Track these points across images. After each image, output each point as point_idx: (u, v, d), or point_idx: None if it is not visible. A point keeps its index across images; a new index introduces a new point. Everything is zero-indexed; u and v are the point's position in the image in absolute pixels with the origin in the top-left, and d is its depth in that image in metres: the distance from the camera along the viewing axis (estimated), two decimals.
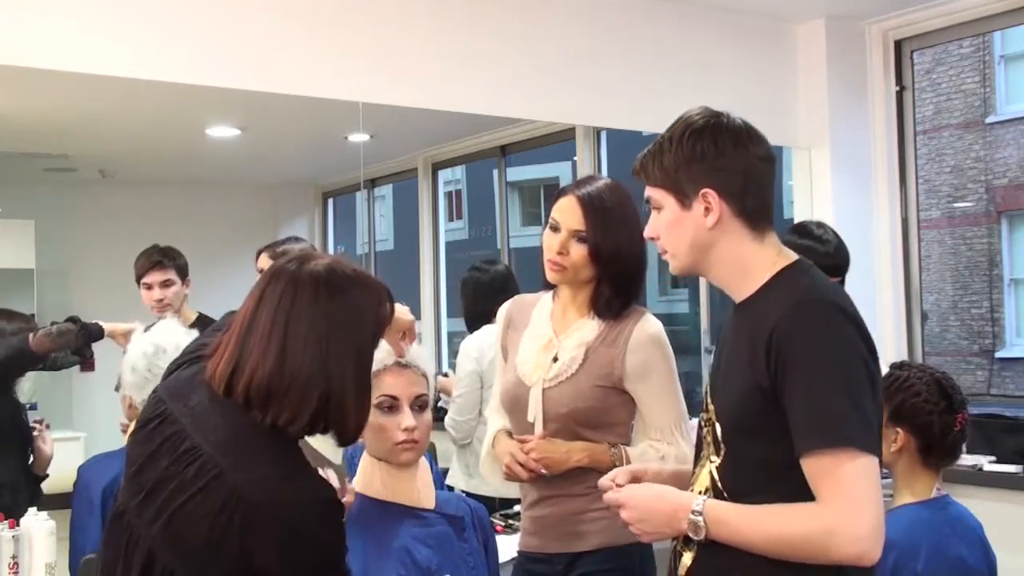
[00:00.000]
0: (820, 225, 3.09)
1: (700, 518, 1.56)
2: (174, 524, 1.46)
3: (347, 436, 1.60)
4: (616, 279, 2.29)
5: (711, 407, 1.69)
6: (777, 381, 1.52)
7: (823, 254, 2.83)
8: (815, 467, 1.49)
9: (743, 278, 1.66)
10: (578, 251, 2.27)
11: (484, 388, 3.69)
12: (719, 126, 1.65)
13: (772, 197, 1.69)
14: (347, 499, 1.84)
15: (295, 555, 1.44)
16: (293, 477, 1.49)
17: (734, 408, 1.61)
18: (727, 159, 1.63)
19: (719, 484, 1.62)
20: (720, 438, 1.63)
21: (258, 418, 1.49)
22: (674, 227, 1.67)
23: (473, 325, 3.86)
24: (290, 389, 1.49)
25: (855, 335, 1.55)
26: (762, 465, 1.57)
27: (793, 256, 1.67)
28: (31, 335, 3.25)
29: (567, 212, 2.28)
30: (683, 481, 1.75)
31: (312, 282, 1.53)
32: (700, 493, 1.65)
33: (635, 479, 1.74)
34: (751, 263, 1.65)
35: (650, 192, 1.70)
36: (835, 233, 3.00)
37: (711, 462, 1.64)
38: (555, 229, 2.29)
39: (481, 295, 3.84)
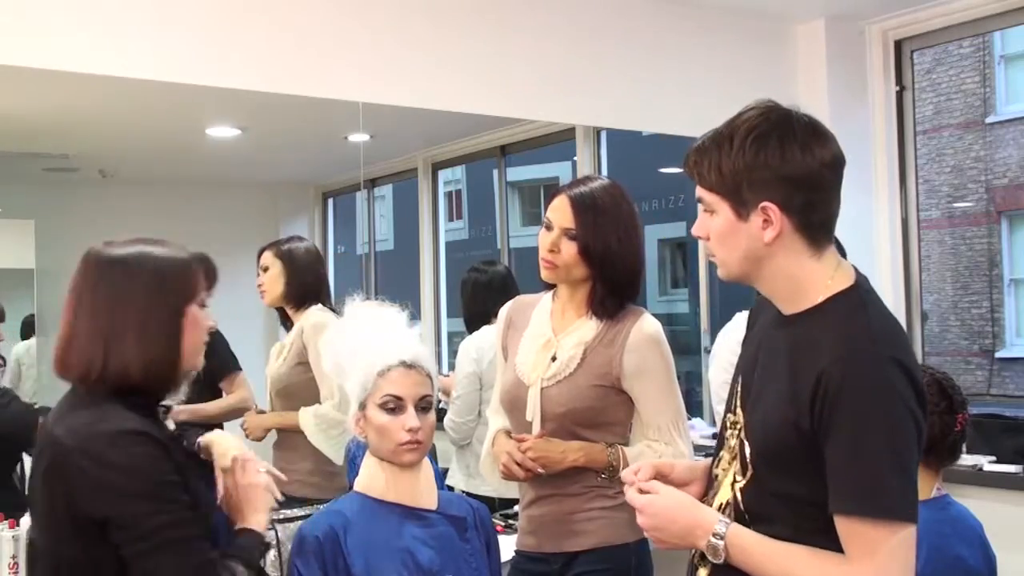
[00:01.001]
0: None
1: (721, 542, 1.51)
2: (31, 500, 1.64)
3: (139, 390, 1.69)
4: (610, 279, 2.30)
5: (740, 412, 1.61)
6: (820, 428, 1.44)
7: None
8: (851, 529, 1.43)
9: (795, 294, 1.55)
10: (569, 249, 2.29)
11: (483, 389, 3.69)
12: (786, 129, 1.50)
13: (838, 206, 1.57)
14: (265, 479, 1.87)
15: (108, 488, 1.57)
16: (100, 419, 1.61)
17: (767, 438, 1.53)
18: (793, 168, 1.49)
19: (741, 505, 1.56)
20: (749, 459, 1.56)
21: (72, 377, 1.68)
22: (727, 236, 1.54)
23: (472, 326, 3.86)
24: (79, 362, 1.67)
25: (908, 391, 1.45)
26: (787, 498, 1.51)
27: (850, 277, 1.56)
28: None
29: (559, 211, 2.31)
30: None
31: (97, 261, 1.72)
32: (720, 507, 1.59)
33: (660, 474, 1.66)
34: (806, 280, 1.54)
35: (702, 194, 1.56)
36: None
37: (736, 481, 1.58)
38: (548, 228, 2.32)
39: (480, 296, 3.85)
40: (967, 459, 3.60)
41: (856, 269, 1.59)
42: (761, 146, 1.49)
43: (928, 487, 2.18)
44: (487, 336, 3.70)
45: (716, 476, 1.66)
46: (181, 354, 1.72)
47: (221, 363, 3.91)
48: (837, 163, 1.54)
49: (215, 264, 1.89)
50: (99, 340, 1.66)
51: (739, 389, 1.63)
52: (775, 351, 1.57)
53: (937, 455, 2.18)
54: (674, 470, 1.68)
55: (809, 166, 1.50)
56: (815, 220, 1.53)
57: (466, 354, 3.71)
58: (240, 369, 3.88)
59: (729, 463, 1.62)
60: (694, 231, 1.60)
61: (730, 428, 1.63)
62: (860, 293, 1.54)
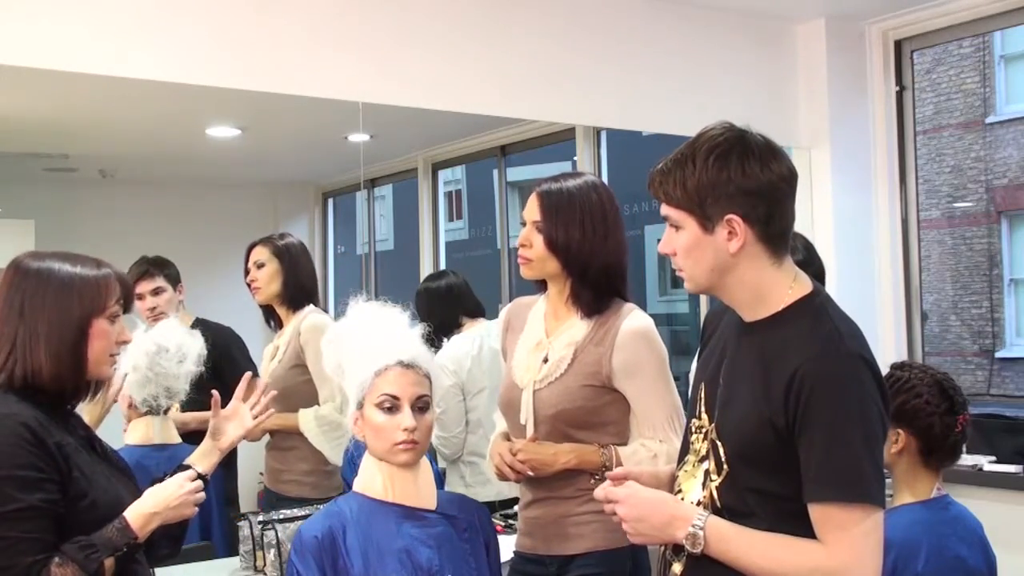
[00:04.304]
0: (792, 236, 3.03)
1: (701, 532, 1.59)
2: None
3: (47, 390, 1.80)
4: (580, 272, 2.30)
5: (705, 416, 1.69)
6: (795, 423, 1.54)
7: None
8: (826, 515, 1.53)
9: (758, 302, 1.65)
10: (538, 242, 2.31)
11: (468, 397, 3.67)
12: (745, 146, 1.61)
13: (793, 218, 1.67)
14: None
15: None
16: None
17: (742, 437, 1.61)
18: (753, 183, 1.59)
19: (718, 502, 1.63)
20: (723, 459, 1.63)
21: None
22: (693, 250, 1.64)
23: (434, 339, 3.79)
24: None
25: (874, 387, 1.56)
26: (763, 492, 1.59)
27: (808, 285, 1.66)
28: None
29: (530, 206, 2.35)
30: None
31: (16, 270, 1.85)
32: (695, 504, 1.66)
33: (625, 478, 1.75)
34: (768, 288, 1.64)
35: (668, 211, 1.66)
36: (806, 244, 2.94)
37: (711, 480, 1.65)
38: (523, 224, 2.35)
39: (436, 306, 3.80)
40: (967, 459, 3.60)
41: (811, 278, 1.69)
42: (723, 163, 1.59)
43: (928, 487, 2.19)
44: (460, 345, 3.69)
45: (676, 477, 1.74)
46: (86, 363, 1.84)
47: (237, 368, 3.87)
48: (792, 177, 1.64)
49: (129, 281, 1.97)
50: (6, 344, 1.80)
51: (702, 395, 1.72)
52: (741, 356, 1.66)
53: (938, 455, 2.18)
54: (640, 478, 1.76)
55: (768, 179, 1.60)
56: (774, 230, 1.63)
57: (443, 368, 3.65)
58: (258, 376, 3.83)
59: (694, 465, 1.70)
60: (661, 248, 1.70)
61: (695, 432, 1.72)
62: (820, 298, 1.65)
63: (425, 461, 2.07)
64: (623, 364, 2.25)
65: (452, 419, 3.64)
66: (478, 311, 3.90)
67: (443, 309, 3.80)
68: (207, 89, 3.17)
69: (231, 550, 3.14)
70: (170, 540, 1.96)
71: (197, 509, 1.94)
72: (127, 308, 1.93)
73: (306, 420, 3.33)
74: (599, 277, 2.30)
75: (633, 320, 2.28)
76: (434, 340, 3.74)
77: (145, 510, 1.84)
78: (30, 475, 1.70)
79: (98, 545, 1.74)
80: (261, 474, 3.74)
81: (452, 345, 3.71)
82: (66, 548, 1.72)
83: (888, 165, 4.28)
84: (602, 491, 1.71)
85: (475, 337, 3.74)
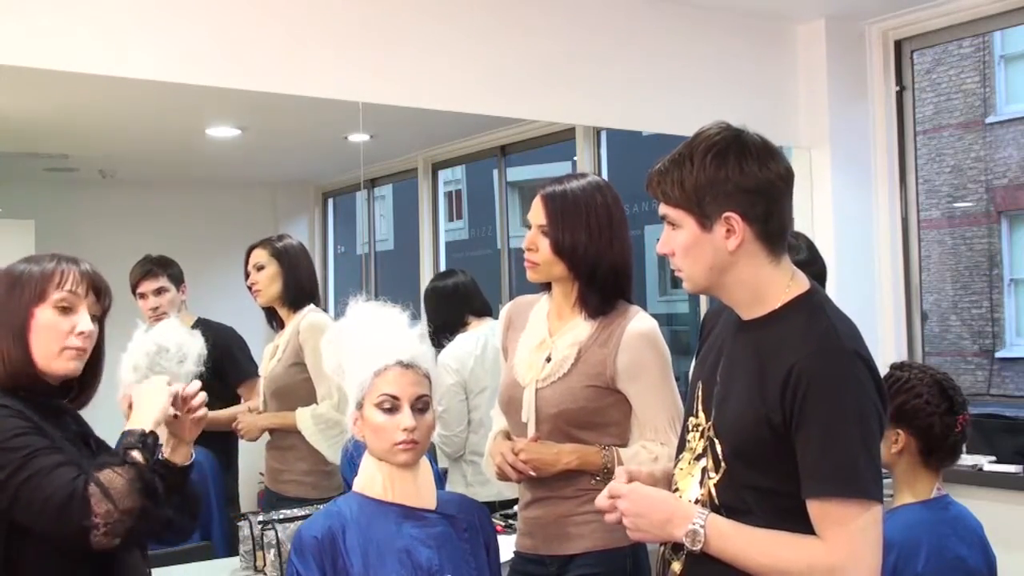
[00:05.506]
0: (795, 235, 3.05)
1: (701, 530, 1.59)
2: None
3: (13, 386, 1.82)
4: (587, 274, 2.29)
5: (702, 414, 1.70)
6: (792, 420, 1.55)
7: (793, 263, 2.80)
8: (824, 511, 1.54)
9: (756, 300, 1.66)
10: (544, 246, 2.30)
11: (470, 397, 3.67)
12: (743, 145, 1.62)
13: (791, 217, 1.67)
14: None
15: None
16: None
17: (739, 434, 1.62)
18: (751, 181, 1.60)
19: (716, 500, 1.64)
20: (721, 457, 1.64)
21: None
22: (692, 249, 1.65)
23: (439, 337, 3.79)
24: None
25: (871, 384, 1.57)
26: (760, 490, 1.60)
27: (805, 283, 1.67)
28: None
29: (535, 209, 2.34)
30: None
31: None
32: (693, 502, 1.67)
33: (630, 479, 1.75)
34: (766, 286, 1.65)
35: (666, 211, 1.67)
36: (809, 243, 2.95)
37: (709, 478, 1.66)
38: (528, 227, 2.34)
39: (442, 305, 3.81)
40: (967, 459, 3.60)
41: (811, 277, 1.70)
42: (721, 161, 1.60)
43: (928, 487, 2.19)
44: (463, 344, 3.70)
45: (673, 475, 1.76)
46: (30, 355, 1.84)
47: (239, 369, 3.88)
48: (789, 176, 1.65)
49: (98, 274, 1.95)
50: None
51: (699, 393, 1.73)
52: (738, 354, 1.67)
53: (938, 455, 2.19)
54: (639, 478, 1.76)
55: (766, 177, 1.61)
56: (772, 228, 1.63)
57: (445, 367, 3.63)
58: (259, 375, 3.83)
59: (690, 463, 1.71)
60: (659, 248, 1.70)
61: (692, 431, 1.73)
62: (818, 297, 1.66)
63: (425, 461, 2.07)
64: (627, 366, 2.25)
65: (454, 418, 3.64)
66: (485, 310, 3.90)
67: (449, 308, 3.81)
68: (207, 89, 3.16)
69: (231, 550, 3.14)
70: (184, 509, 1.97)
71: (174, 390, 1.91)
72: (104, 304, 1.91)
73: (303, 419, 3.33)
74: (606, 279, 2.30)
75: (639, 322, 2.28)
76: (435, 339, 3.77)
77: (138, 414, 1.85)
78: (32, 430, 1.74)
79: (118, 450, 1.78)
80: (261, 474, 3.74)
81: (456, 344, 3.71)
82: (96, 462, 1.75)
83: (888, 165, 4.28)
84: (604, 497, 1.71)
85: (479, 336, 3.74)
